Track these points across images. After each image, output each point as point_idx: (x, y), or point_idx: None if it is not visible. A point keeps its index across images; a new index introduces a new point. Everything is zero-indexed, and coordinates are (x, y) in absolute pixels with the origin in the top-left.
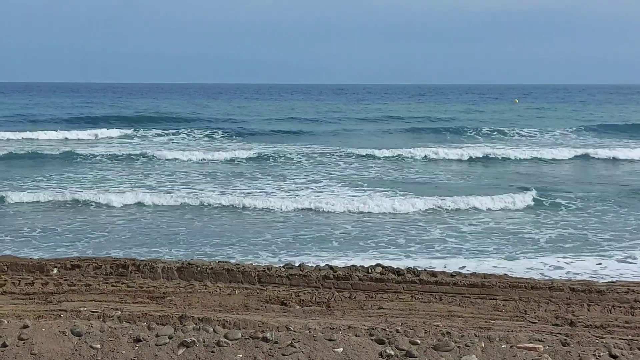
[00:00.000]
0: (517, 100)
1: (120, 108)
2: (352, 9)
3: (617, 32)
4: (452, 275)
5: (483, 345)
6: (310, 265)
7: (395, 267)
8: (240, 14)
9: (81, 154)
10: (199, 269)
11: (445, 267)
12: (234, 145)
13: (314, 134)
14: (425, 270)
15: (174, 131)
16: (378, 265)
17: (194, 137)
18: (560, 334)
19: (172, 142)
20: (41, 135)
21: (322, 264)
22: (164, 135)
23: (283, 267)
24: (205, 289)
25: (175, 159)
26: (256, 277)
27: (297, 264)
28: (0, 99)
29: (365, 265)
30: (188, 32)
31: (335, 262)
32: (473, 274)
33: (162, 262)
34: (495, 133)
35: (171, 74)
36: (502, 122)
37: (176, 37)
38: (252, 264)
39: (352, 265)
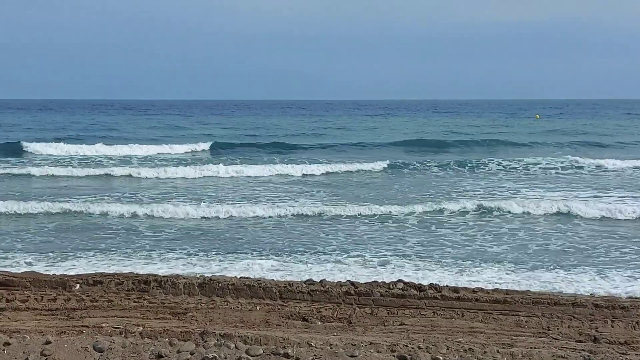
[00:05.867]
0: (538, 116)
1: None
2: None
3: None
4: (474, 291)
5: None
6: (331, 281)
7: (416, 282)
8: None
9: None
10: (220, 284)
11: None
12: None
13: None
14: (447, 286)
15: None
16: (400, 281)
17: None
18: (584, 350)
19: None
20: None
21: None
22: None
23: (304, 282)
24: (227, 304)
25: None
26: (277, 293)
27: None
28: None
29: (387, 281)
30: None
31: None
32: (495, 290)
33: (184, 278)
34: None
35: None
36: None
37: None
38: (273, 279)
39: (374, 281)
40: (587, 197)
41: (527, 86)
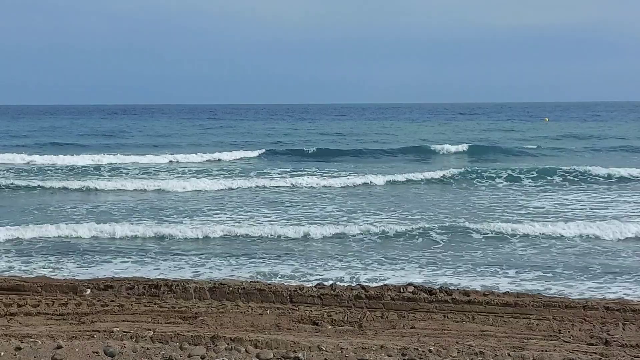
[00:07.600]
0: (547, 119)
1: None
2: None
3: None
4: (484, 294)
5: None
6: (341, 284)
7: (427, 286)
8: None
9: None
10: (230, 289)
11: None
12: None
13: None
14: (457, 289)
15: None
16: (410, 284)
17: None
18: (595, 353)
19: None
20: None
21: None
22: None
23: (315, 286)
24: (237, 308)
25: None
26: (288, 297)
27: (328, 283)
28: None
29: (397, 285)
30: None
31: None
32: (506, 293)
33: (195, 282)
34: None
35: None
36: None
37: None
38: (283, 283)
39: (384, 285)
40: None
41: (528, 89)
